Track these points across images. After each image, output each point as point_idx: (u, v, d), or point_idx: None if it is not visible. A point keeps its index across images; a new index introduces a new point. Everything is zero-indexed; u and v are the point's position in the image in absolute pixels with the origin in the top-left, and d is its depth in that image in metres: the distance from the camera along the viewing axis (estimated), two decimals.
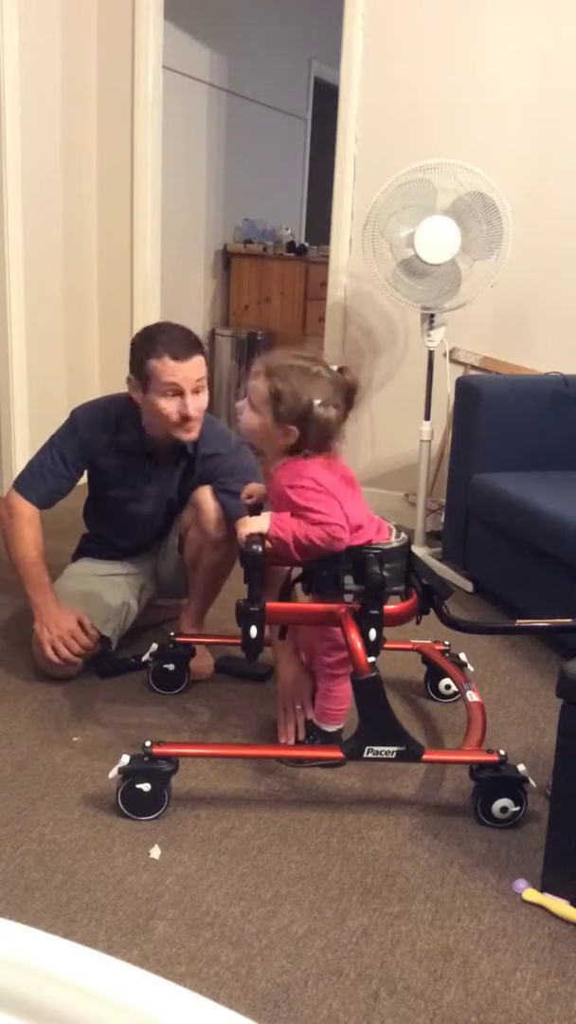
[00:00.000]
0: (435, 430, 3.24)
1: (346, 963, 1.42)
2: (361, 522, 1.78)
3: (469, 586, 2.96)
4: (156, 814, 1.73)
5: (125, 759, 1.72)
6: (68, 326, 3.87)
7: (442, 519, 3.14)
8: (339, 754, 1.78)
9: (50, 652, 2.15)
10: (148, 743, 1.74)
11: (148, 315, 3.90)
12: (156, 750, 1.73)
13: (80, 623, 2.21)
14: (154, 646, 2.23)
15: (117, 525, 2.41)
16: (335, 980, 1.38)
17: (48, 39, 3.52)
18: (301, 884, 1.59)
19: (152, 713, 2.13)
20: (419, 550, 3.13)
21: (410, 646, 2.28)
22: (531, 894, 1.57)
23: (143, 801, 1.72)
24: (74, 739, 2.00)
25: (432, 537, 3.29)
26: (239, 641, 1.77)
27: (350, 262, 3.56)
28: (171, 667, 2.22)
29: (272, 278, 5.33)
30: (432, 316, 3.07)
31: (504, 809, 1.75)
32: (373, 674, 1.72)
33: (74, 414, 2.30)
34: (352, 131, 3.48)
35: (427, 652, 2.25)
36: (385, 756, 1.74)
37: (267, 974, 1.38)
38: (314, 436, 1.74)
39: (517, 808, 1.75)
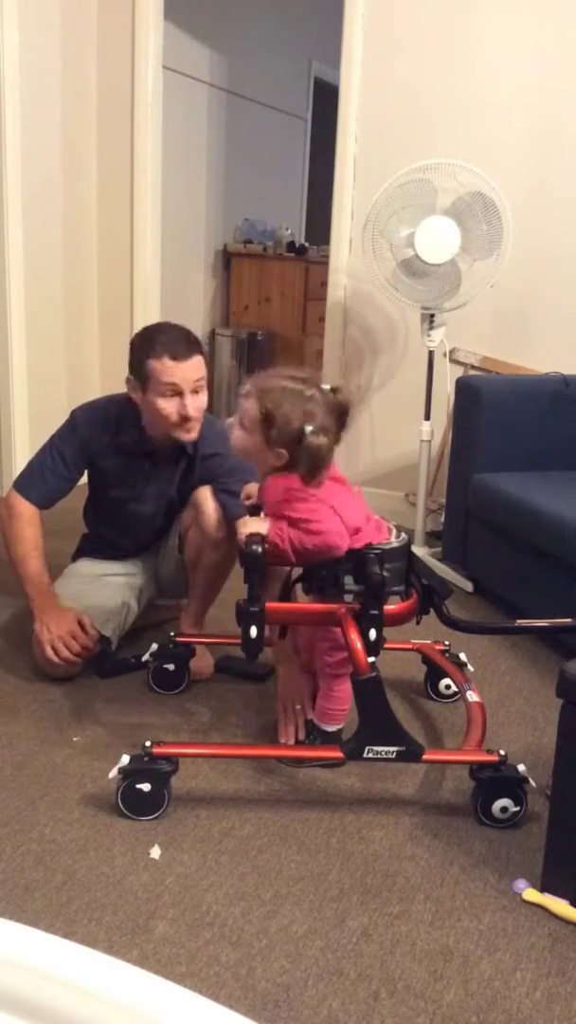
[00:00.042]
0: (435, 430, 3.24)
1: (346, 963, 1.42)
2: (359, 524, 1.78)
3: (469, 586, 2.96)
4: (156, 814, 1.73)
5: (125, 759, 1.72)
6: (68, 326, 3.87)
7: (442, 519, 3.14)
8: (339, 754, 1.78)
9: (50, 652, 2.15)
10: (148, 743, 1.74)
11: (148, 315, 3.89)
12: (156, 750, 1.73)
13: (80, 623, 2.21)
14: (154, 646, 2.23)
15: (117, 525, 2.41)
16: (335, 980, 1.38)
17: (48, 39, 3.52)
18: (301, 884, 1.59)
19: (152, 713, 2.13)
20: (419, 550, 3.14)
21: (410, 646, 2.28)
22: (531, 894, 1.57)
23: (143, 801, 1.72)
24: (74, 739, 2.00)
25: (432, 537, 3.29)
26: (239, 641, 1.76)
27: (350, 262, 3.56)
28: (171, 667, 2.22)
29: (272, 278, 5.33)
30: (432, 316, 3.07)
31: (504, 809, 1.75)
32: (373, 674, 1.72)
33: (74, 414, 2.31)
34: (352, 131, 3.48)
35: (427, 652, 2.25)
36: (385, 756, 1.74)
37: (267, 974, 1.38)
38: (305, 463, 1.72)
39: (517, 808, 1.75)
